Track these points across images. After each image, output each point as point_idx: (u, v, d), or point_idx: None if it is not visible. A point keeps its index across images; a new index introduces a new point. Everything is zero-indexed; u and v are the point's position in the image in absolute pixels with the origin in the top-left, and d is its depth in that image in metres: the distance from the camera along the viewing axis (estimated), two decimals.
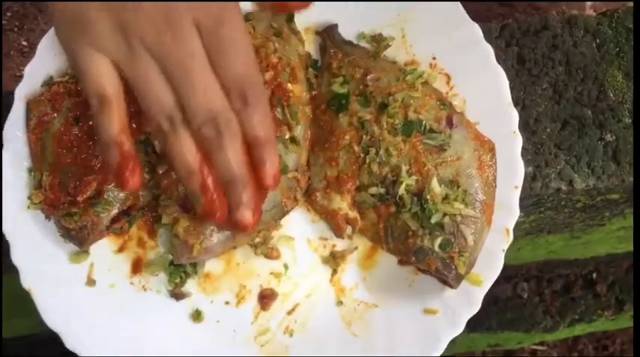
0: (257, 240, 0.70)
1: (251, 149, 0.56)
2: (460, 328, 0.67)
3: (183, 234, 0.65)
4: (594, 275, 1.32)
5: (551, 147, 0.78)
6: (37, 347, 0.83)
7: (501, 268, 0.68)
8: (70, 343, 0.66)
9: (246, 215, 0.56)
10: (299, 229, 0.72)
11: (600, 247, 1.19)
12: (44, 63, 0.71)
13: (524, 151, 0.72)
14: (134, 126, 0.63)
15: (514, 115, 0.71)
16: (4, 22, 1.60)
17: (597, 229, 1.02)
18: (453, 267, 0.65)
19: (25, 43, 1.52)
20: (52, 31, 0.71)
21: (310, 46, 0.77)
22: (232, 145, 0.54)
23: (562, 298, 1.39)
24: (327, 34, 0.75)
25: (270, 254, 0.71)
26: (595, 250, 1.24)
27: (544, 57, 0.81)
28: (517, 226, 0.70)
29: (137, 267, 0.71)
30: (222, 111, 0.53)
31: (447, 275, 0.65)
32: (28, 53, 1.47)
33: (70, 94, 0.69)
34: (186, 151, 0.54)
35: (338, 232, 0.70)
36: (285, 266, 0.71)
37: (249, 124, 0.55)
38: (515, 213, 0.69)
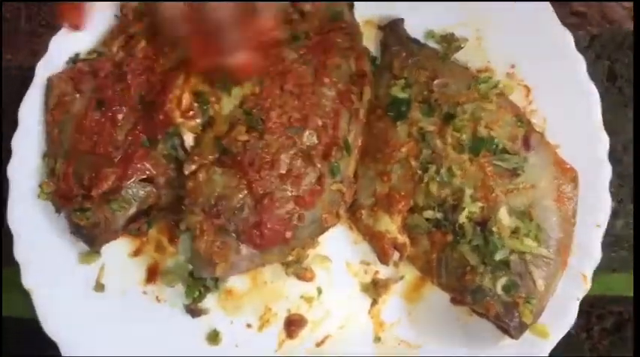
0: (290, 258, 0.61)
1: None
2: None
3: (206, 249, 0.56)
4: None
5: None
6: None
7: (574, 319, 0.57)
8: (67, 354, 0.59)
9: (240, 57, 0.54)
10: (338, 249, 0.63)
11: None
12: (70, 37, 0.64)
13: None
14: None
15: (604, 141, 0.60)
16: None
17: None
18: (517, 314, 0.55)
19: None
20: None
21: (369, 42, 0.67)
22: None
23: (611, 337, 1.27)
24: (391, 29, 0.66)
25: (303, 275, 0.62)
26: None
27: None
28: None
29: (152, 274, 0.63)
30: None
31: (509, 323, 0.55)
32: None
33: (95, 75, 0.61)
34: None
35: (383, 258, 0.61)
36: (319, 290, 0.62)
37: None
38: (596, 256, 0.59)
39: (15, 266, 0.61)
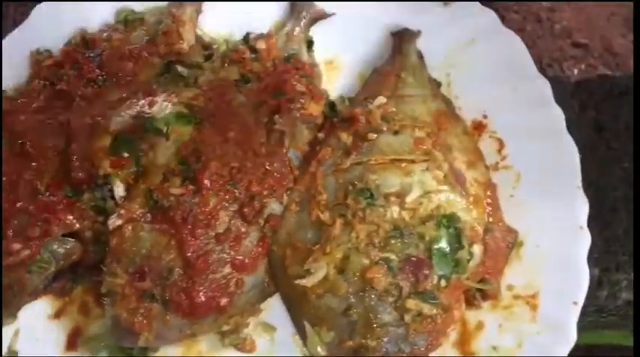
0: (226, 327, 0.54)
1: None
2: None
3: (127, 317, 0.50)
4: None
5: (627, 246, 0.60)
6: None
7: None
8: None
9: None
10: (285, 316, 0.55)
11: None
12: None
13: (591, 248, 0.54)
14: None
15: (583, 205, 0.53)
16: None
17: None
18: None
19: None
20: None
21: (330, 84, 0.61)
22: None
23: None
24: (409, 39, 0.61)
25: (242, 346, 0.55)
26: None
27: (628, 128, 0.63)
28: None
29: (74, 340, 0.56)
30: None
31: None
32: None
33: (16, 117, 0.55)
34: None
35: None
36: None
37: None
38: (571, 339, 0.51)
39: None
